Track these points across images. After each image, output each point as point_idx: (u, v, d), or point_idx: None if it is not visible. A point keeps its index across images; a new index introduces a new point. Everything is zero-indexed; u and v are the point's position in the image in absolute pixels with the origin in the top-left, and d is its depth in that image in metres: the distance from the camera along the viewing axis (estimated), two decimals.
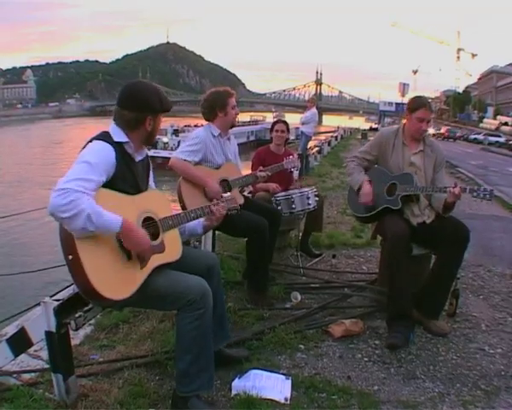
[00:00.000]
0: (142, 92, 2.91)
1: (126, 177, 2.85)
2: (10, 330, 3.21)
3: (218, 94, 4.75)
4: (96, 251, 2.55)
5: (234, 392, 3.26)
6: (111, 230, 2.55)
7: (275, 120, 7.00)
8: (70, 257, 2.49)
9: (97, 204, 2.51)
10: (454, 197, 4.00)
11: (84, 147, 2.75)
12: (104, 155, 2.70)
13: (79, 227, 2.42)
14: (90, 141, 2.78)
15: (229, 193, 3.60)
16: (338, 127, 53.96)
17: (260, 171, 5.02)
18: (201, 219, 3.36)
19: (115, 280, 2.62)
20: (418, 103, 4.32)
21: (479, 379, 3.61)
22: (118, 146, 2.80)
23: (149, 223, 2.87)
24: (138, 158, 3.01)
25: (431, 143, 4.47)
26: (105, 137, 2.81)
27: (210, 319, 2.97)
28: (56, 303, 2.77)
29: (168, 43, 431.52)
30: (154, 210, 2.93)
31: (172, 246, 3.01)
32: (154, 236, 2.89)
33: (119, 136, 2.85)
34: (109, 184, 2.71)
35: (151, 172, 3.27)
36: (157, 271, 2.87)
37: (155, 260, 2.85)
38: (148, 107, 2.90)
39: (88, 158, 2.60)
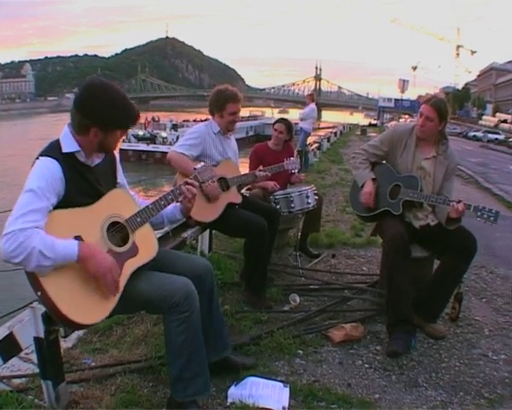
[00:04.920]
0: (95, 98, 2.61)
1: (82, 188, 2.66)
2: (0, 332, 3.11)
3: (220, 94, 4.65)
4: (63, 280, 2.44)
5: (230, 400, 3.15)
6: (68, 259, 2.42)
7: (278, 117, 6.85)
8: (39, 293, 2.41)
9: (51, 231, 2.42)
10: (456, 213, 3.83)
11: (33, 164, 2.58)
12: (49, 174, 2.51)
13: (34, 266, 2.32)
14: (37, 157, 2.59)
15: (202, 163, 3.36)
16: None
17: (260, 170, 4.92)
18: (178, 204, 3.18)
19: (90, 305, 2.52)
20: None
21: (482, 387, 3.53)
22: (67, 158, 2.61)
23: (116, 228, 2.74)
24: (95, 162, 2.80)
25: (445, 149, 4.24)
26: (51, 150, 2.61)
27: (198, 321, 2.87)
28: (44, 309, 2.66)
29: (167, 37, 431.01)
30: (119, 212, 2.76)
31: (146, 244, 2.85)
32: (125, 239, 2.76)
33: (68, 145, 2.64)
34: (65, 202, 2.57)
35: (118, 167, 3.08)
36: (138, 274, 2.74)
37: (130, 266, 2.71)
38: (95, 116, 2.61)
39: (31, 185, 2.45)
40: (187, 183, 3.09)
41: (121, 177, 3.12)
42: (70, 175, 2.59)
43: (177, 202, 3.13)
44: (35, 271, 2.36)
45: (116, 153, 3.07)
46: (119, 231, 2.75)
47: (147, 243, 2.87)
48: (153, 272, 2.86)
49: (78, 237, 2.51)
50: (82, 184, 2.66)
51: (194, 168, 3.27)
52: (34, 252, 2.28)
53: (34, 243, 2.29)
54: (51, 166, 2.54)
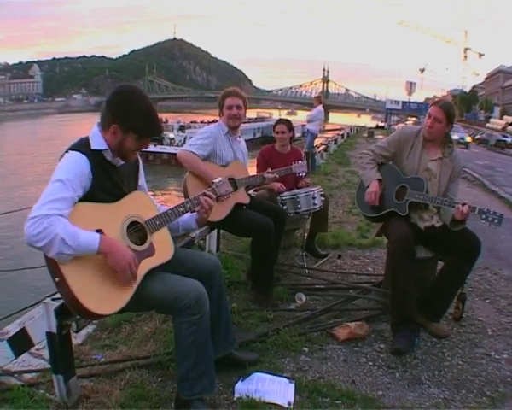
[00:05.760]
0: (125, 99, 2.74)
1: (107, 186, 2.76)
2: (12, 328, 3.17)
3: (222, 93, 4.82)
4: (82, 268, 2.51)
5: (236, 395, 3.21)
6: (89, 250, 2.50)
7: (278, 119, 6.90)
8: (57, 279, 2.47)
9: (75, 222, 2.49)
10: (461, 215, 3.88)
11: (61, 157, 2.67)
12: (78, 168, 2.60)
13: (55, 253, 2.39)
14: (67, 151, 2.68)
15: (220, 177, 3.45)
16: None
17: (268, 173, 4.99)
18: (194, 213, 3.28)
19: (105, 295, 2.58)
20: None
21: (484, 385, 3.57)
22: (95, 155, 2.71)
23: (135, 227, 2.82)
24: (121, 162, 2.88)
25: (451, 151, 4.32)
26: (81, 146, 2.71)
27: (207, 324, 2.93)
28: (57, 304, 2.73)
29: (175, 39, 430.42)
30: (139, 213, 2.86)
31: (163, 246, 2.93)
32: (142, 239, 2.84)
33: (97, 143, 2.74)
34: (89, 196, 2.65)
35: (141, 170, 3.22)
36: (151, 274, 2.81)
37: (145, 265, 2.78)
38: (118, 113, 2.72)
39: (60, 175, 2.53)
40: (205, 194, 3.19)
41: (142, 180, 3.22)
42: (96, 171, 2.68)
43: (193, 211, 3.22)
44: (55, 257, 2.42)
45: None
46: (137, 231, 2.83)
47: (163, 245, 2.95)
48: (165, 274, 2.92)
49: (99, 231, 2.59)
50: (106, 182, 2.75)
51: (212, 182, 3.36)
52: (57, 239, 2.35)
53: (57, 230, 2.36)
54: (80, 161, 2.63)
